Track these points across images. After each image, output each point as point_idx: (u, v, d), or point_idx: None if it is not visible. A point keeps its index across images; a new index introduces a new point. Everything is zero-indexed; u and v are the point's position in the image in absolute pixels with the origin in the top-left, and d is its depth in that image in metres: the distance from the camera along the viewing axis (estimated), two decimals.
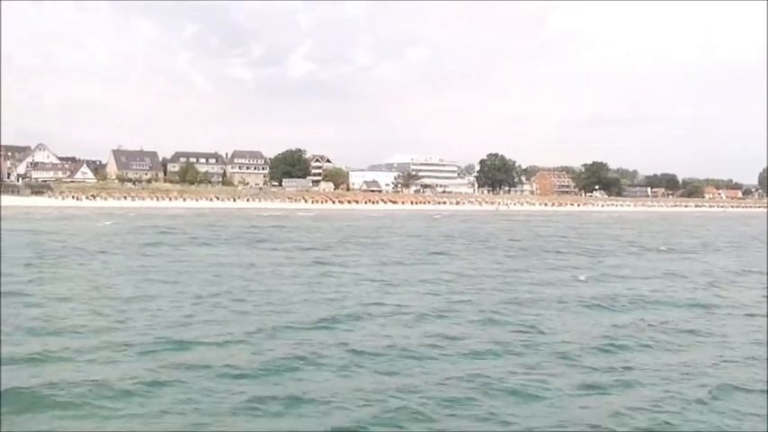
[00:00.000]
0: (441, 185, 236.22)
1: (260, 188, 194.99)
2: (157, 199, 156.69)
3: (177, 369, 16.77)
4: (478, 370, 17.22)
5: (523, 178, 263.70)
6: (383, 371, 17.16)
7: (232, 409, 14.03)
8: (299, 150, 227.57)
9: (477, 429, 13.42)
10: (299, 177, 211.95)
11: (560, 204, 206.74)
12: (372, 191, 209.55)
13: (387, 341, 20.22)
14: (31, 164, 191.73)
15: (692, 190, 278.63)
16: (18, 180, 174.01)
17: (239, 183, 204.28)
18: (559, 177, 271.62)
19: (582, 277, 36.91)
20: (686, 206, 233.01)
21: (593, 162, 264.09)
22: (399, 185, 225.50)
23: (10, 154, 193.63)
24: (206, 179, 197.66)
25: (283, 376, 16.50)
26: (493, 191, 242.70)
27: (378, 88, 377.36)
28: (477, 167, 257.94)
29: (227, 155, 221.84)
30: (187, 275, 34.99)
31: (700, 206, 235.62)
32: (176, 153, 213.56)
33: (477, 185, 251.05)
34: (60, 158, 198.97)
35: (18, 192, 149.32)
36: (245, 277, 34.63)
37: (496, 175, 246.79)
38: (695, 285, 35.15)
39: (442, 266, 41.88)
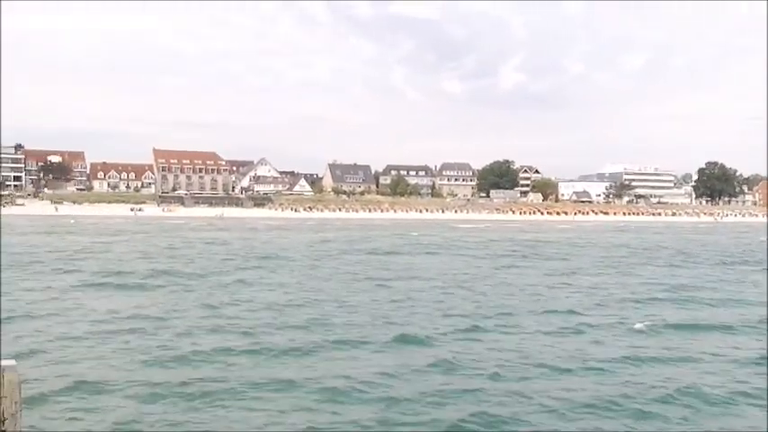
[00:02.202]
0: (655, 196, 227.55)
1: (468, 199, 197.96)
2: (369, 211, 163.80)
3: None
4: None
5: (745, 188, 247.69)
6: None
7: None
8: (507, 161, 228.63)
9: None
10: (506, 188, 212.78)
11: None
12: (582, 201, 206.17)
13: None
14: (253, 177, 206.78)
15: None
16: (242, 193, 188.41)
17: (448, 194, 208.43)
18: None
19: None
20: None
21: None
22: (611, 196, 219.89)
23: (235, 168, 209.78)
24: (416, 191, 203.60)
25: None
26: (711, 201, 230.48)
27: (590, 96, 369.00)
28: (695, 177, 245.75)
29: (436, 167, 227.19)
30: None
31: None
32: (388, 166, 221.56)
33: (694, 196, 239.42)
34: (280, 172, 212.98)
35: (242, 204, 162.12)
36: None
37: (715, 184, 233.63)
38: None
39: None
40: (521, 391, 16.67)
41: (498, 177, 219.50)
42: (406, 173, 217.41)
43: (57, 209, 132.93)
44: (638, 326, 25.10)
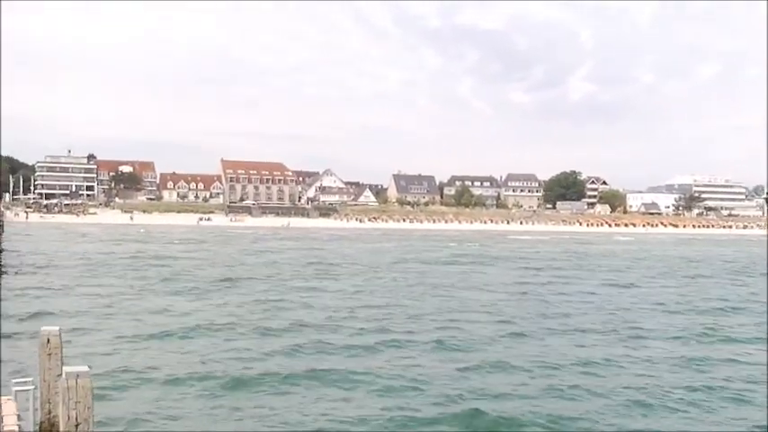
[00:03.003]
0: (726, 208, 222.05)
1: (533, 211, 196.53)
2: (434, 221, 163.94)
3: None
4: None
5: None
6: None
7: None
8: (574, 172, 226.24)
9: None
10: (573, 200, 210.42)
11: None
12: (651, 213, 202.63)
13: None
14: (319, 188, 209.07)
15: None
16: (308, 203, 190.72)
17: (513, 205, 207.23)
18: None
19: None
20: None
21: None
22: (680, 208, 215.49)
23: (301, 179, 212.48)
24: (480, 202, 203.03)
25: None
26: None
27: (659, 106, 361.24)
28: (767, 189, 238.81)
29: (501, 178, 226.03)
30: None
31: None
32: (452, 177, 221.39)
33: (766, 208, 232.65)
34: (345, 183, 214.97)
35: (308, 214, 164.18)
36: None
37: None
38: None
39: None
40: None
41: (565, 188, 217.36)
42: (470, 183, 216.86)
43: (132, 218, 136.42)
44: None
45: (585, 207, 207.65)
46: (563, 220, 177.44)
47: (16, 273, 44.60)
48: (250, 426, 15.42)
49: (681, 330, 28.05)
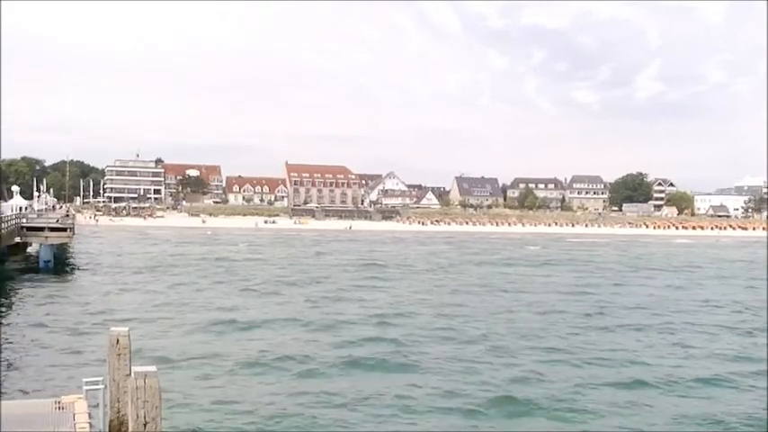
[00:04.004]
0: None
1: (599, 213, 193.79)
2: (497, 224, 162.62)
3: None
4: None
5: None
6: None
7: None
8: (641, 174, 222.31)
9: None
10: (640, 202, 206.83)
11: None
12: (719, 216, 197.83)
13: None
14: (381, 191, 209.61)
15: None
16: (370, 206, 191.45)
17: (578, 208, 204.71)
18: None
19: None
20: None
21: None
22: (750, 210, 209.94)
23: (364, 182, 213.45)
24: (545, 204, 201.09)
25: None
26: None
27: (729, 106, 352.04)
28: None
29: (566, 180, 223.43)
30: None
31: None
32: (516, 179, 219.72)
33: None
34: (408, 186, 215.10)
35: (370, 217, 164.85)
36: None
37: None
38: None
39: None
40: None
41: (631, 190, 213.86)
42: (534, 186, 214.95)
43: (204, 221, 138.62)
44: None
45: (652, 209, 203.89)
46: (629, 223, 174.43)
47: (82, 270, 46.58)
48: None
49: None
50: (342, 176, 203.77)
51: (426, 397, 18.06)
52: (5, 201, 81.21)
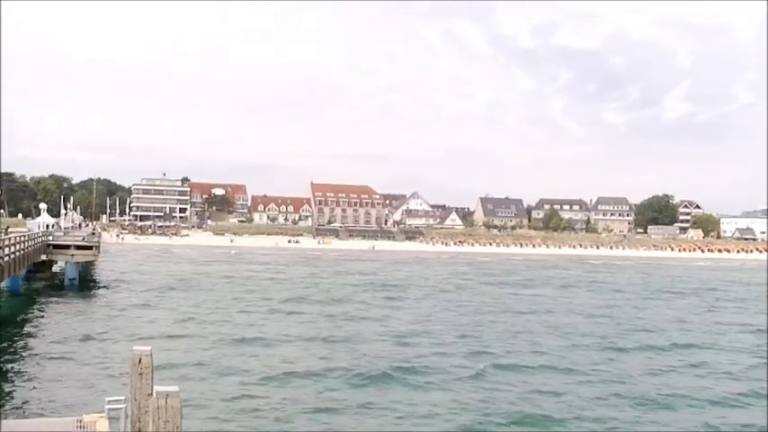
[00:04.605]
0: None
1: (624, 235, 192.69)
2: (521, 245, 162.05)
3: None
4: None
5: None
6: None
7: None
8: (667, 196, 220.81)
9: None
10: (665, 224, 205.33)
11: None
12: (746, 239, 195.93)
13: None
14: (405, 211, 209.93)
15: None
16: (394, 226, 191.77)
17: (603, 230, 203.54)
18: None
19: None
20: None
21: None
22: None
23: (388, 202, 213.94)
24: (569, 226, 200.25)
25: None
26: None
27: (756, 127, 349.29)
28: None
29: (591, 201, 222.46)
30: None
31: None
32: (541, 200, 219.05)
33: None
34: (432, 206, 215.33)
35: (394, 237, 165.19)
36: None
37: None
38: None
39: None
40: None
41: (657, 213, 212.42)
42: (559, 207, 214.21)
43: (232, 240, 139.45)
44: None
45: (678, 232, 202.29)
46: (654, 245, 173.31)
47: (106, 288, 47.38)
48: None
49: None
50: (366, 196, 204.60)
51: (444, 413, 18.42)
52: (33, 218, 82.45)
